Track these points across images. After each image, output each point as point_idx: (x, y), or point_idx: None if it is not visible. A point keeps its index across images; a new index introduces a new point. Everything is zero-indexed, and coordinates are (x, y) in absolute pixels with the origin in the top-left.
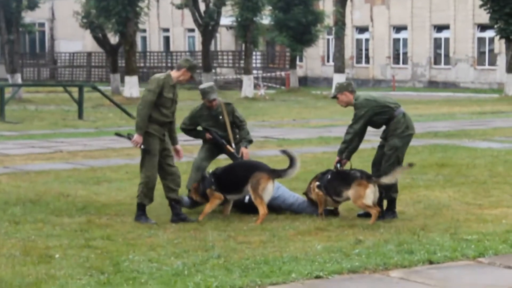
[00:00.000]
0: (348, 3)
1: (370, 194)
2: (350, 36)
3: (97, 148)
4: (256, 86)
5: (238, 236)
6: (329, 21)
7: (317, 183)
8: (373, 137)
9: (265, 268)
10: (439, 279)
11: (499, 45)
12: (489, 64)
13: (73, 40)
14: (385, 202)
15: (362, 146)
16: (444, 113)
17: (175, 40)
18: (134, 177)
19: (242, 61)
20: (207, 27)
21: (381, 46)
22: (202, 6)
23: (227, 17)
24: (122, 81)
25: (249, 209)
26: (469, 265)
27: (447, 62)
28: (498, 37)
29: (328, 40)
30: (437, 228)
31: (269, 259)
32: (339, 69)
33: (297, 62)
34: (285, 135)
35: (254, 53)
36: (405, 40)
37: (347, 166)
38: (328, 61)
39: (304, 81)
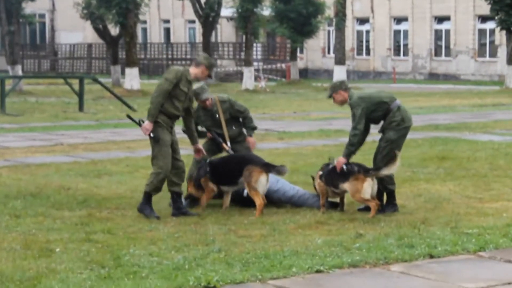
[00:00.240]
0: None
1: (368, 188)
2: (351, 28)
3: (97, 141)
4: (256, 78)
5: (239, 230)
6: (329, 12)
7: (320, 173)
8: (373, 130)
9: (265, 262)
10: (439, 273)
11: (500, 37)
12: (489, 56)
13: (73, 31)
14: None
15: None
16: (445, 106)
17: (175, 31)
18: (135, 170)
19: (242, 53)
20: (208, 18)
21: (381, 37)
22: None
23: (228, 8)
24: (123, 73)
25: (249, 202)
26: (470, 259)
27: (447, 54)
28: (498, 28)
29: (328, 31)
30: (438, 222)
31: (270, 253)
32: (340, 61)
33: (298, 54)
34: (286, 128)
35: (254, 44)
36: (405, 32)
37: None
38: (328, 52)
39: (304, 73)
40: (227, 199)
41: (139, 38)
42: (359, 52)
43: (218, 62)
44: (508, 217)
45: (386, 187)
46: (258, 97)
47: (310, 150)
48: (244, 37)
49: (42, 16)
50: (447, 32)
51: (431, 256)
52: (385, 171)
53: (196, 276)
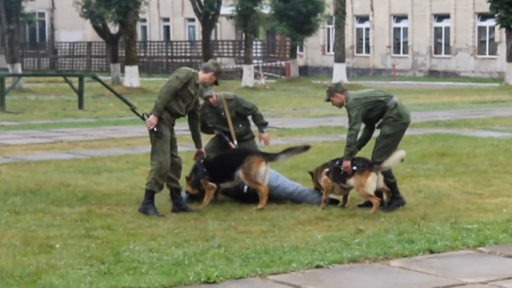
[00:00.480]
0: None
1: (372, 182)
2: (350, 25)
3: (97, 138)
4: (256, 76)
5: (239, 225)
6: (329, 10)
7: (327, 169)
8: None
9: (265, 258)
10: (439, 268)
11: (500, 34)
12: (489, 53)
13: (73, 29)
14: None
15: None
16: (445, 103)
17: (175, 29)
18: (135, 167)
19: (242, 51)
20: (207, 16)
21: (381, 35)
22: None
23: (227, 7)
24: (122, 71)
25: (249, 198)
26: (470, 254)
27: (447, 51)
28: (498, 26)
29: (328, 29)
30: (438, 217)
31: (270, 249)
32: (340, 58)
33: (298, 52)
34: (286, 125)
35: (254, 42)
36: (405, 29)
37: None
38: (328, 50)
39: (304, 70)
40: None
41: (139, 36)
42: (359, 50)
43: (218, 60)
44: (507, 212)
45: (385, 181)
46: (258, 94)
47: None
48: (243, 35)
49: (41, 14)
50: (447, 29)
51: (431, 252)
52: (386, 165)
53: (196, 272)
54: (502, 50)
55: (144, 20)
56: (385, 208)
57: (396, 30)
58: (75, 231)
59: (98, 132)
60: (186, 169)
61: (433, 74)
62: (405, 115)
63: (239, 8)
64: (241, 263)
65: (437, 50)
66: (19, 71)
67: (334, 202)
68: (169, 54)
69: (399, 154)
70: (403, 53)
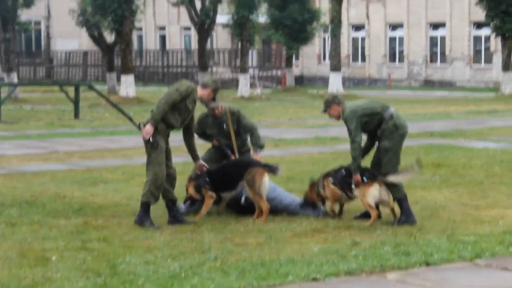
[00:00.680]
0: (344, 0)
1: (374, 192)
2: (346, 34)
3: (93, 148)
4: (252, 85)
5: (235, 238)
6: (325, 19)
7: (331, 179)
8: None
9: (262, 270)
10: (436, 281)
11: (495, 43)
12: (485, 63)
13: (69, 38)
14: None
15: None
16: (440, 113)
17: (171, 38)
18: (131, 177)
19: (238, 60)
20: (203, 25)
21: (377, 44)
22: (198, 4)
23: (223, 15)
24: (118, 80)
25: (245, 210)
26: (466, 266)
27: (443, 60)
28: (494, 35)
29: (324, 38)
30: (434, 229)
31: (266, 261)
32: (335, 67)
33: (293, 61)
34: (281, 135)
35: (250, 51)
36: (401, 39)
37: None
38: (324, 59)
39: (300, 79)
40: (222, 205)
41: (135, 45)
42: (355, 59)
43: (214, 69)
44: (504, 224)
45: (394, 197)
46: (253, 104)
47: (306, 157)
48: (239, 44)
49: (37, 23)
50: (443, 38)
51: (428, 264)
52: (392, 178)
53: (192, 284)
54: (497, 59)
55: (140, 29)
56: (393, 224)
57: (392, 39)
58: (71, 243)
59: (94, 142)
60: (182, 180)
61: (428, 83)
62: (402, 126)
63: (235, 17)
64: (237, 276)
65: (432, 59)
66: (15, 80)
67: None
68: (165, 63)
69: (409, 175)
70: (399, 62)
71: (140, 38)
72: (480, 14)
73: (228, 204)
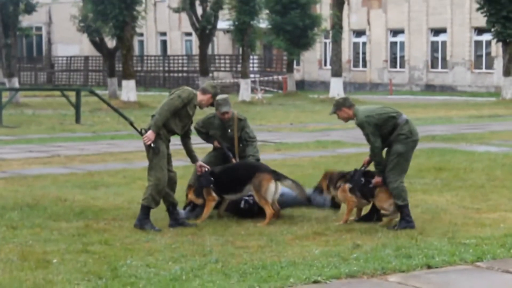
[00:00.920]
0: (345, 6)
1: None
2: (347, 40)
3: (94, 152)
4: (253, 90)
5: (236, 241)
6: (326, 24)
7: (348, 185)
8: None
9: (263, 273)
10: (437, 284)
11: (496, 49)
12: (486, 68)
13: (70, 44)
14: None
15: (366, 150)
16: (441, 117)
17: (172, 44)
18: (132, 181)
19: (239, 65)
20: (204, 31)
21: (378, 49)
22: (199, 10)
23: (224, 21)
24: (120, 85)
25: (246, 213)
26: (467, 269)
27: (444, 65)
28: (495, 40)
29: (325, 43)
30: (435, 232)
31: (267, 264)
32: (336, 73)
33: (294, 66)
34: (283, 139)
35: (251, 57)
36: (402, 44)
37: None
38: (325, 64)
39: (301, 85)
40: (223, 207)
41: (136, 51)
42: (356, 64)
43: (215, 74)
44: (505, 227)
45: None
46: (255, 109)
47: (307, 161)
48: (240, 49)
49: (39, 29)
50: (444, 44)
51: (429, 267)
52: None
53: (193, 287)
54: (498, 64)
55: (141, 35)
56: (393, 228)
57: (393, 44)
58: (72, 246)
59: (95, 146)
60: (183, 184)
61: (429, 88)
62: (415, 132)
63: (236, 23)
64: (238, 279)
65: (433, 65)
66: (16, 85)
67: (337, 206)
68: (166, 68)
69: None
70: (400, 67)
71: (141, 43)
72: (481, 20)
73: (227, 208)
